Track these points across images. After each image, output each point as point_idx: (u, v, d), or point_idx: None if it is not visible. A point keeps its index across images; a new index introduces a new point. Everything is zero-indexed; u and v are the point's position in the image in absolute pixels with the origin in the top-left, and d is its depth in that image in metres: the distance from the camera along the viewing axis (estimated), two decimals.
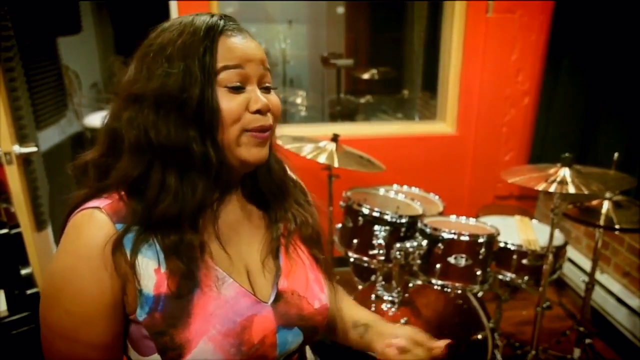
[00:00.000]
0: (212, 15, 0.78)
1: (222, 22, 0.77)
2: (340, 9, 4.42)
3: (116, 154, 0.77)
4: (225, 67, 0.75)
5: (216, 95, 0.74)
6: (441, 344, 0.93)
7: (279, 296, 0.83)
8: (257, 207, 0.90)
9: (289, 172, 0.96)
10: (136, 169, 0.75)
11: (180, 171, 0.75)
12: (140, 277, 0.73)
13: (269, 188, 0.88)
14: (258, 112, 0.77)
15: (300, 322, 0.84)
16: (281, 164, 0.92)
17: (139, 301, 0.73)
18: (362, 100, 4.04)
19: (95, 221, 0.73)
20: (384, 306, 1.82)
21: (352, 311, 1.05)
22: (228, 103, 0.75)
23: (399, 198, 2.27)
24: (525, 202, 3.08)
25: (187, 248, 0.75)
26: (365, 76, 3.79)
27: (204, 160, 0.74)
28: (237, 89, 0.76)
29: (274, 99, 0.81)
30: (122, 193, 0.76)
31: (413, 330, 0.95)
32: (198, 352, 0.73)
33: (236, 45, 0.76)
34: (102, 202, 0.75)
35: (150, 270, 0.74)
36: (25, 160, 1.81)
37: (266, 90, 0.80)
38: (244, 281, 0.81)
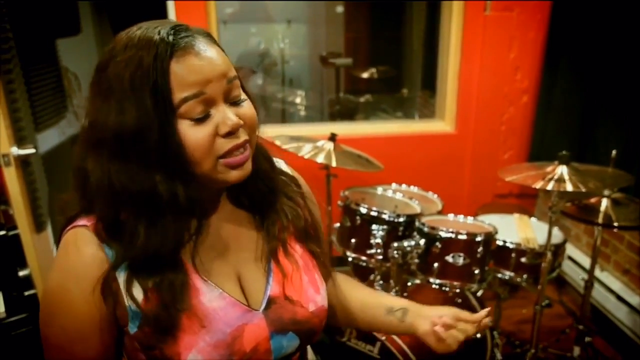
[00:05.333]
0: (160, 31, 0.69)
1: (171, 39, 0.68)
2: (340, 9, 4.41)
3: (90, 196, 0.74)
4: (185, 100, 0.68)
5: (178, 132, 0.68)
6: (484, 313, 0.94)
7: (270, 302, 0.82)
8: (246, 210, 0.87)
9: (283, 167, 0.94)
10: (109, 213, 0.72)
11: (149, 215, 0.71)
12: (127, 295, 0.73)
13: (257, 189, 0.85)
14: (229, 134, 0.71)
15: (294, 327, 0.83)
16: (270, 161, 0.88)
17: (129, 316, 0.74)
18: (362, 100, 4.04)
19: (83, 240, 0.74)
20: None
21: (379, 297, 1.05)
22: (194, 137, 0.69)
23: (397, 197, 2.27)
24: (524, 201, 3.07)
25: (169, 286, 0.73)
26: (365, 75, 3.78)
27: (173, 201, 0.71)
28: (203, 119, 0.70)
29: (246, 111, 0.75)
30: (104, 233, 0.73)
31: (454, 309, 0.96)
32: None
33: (192, 68, 0.68)
34: (89, 220, 0.75)
35: (137, 288, 0.73)
36: (23, 162, 1.81)
37: (236, 104, 0.74)
38: (235, 290, 0.80)
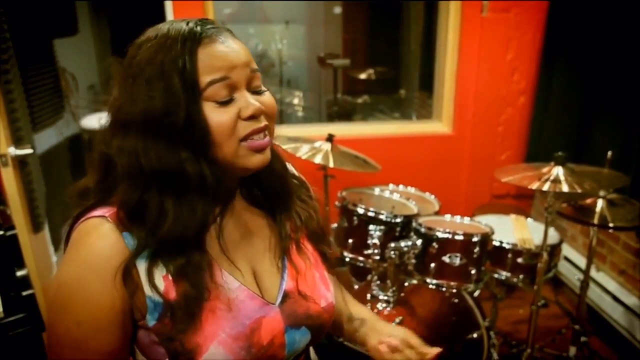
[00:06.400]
0: (188, 22, 0.74)
1: (199, 29, 0.73)
2: (338, 9, 4.43)
3: (112, 179, 0.75)
4: (211, 83, 0.72)
5: (204, 113, 0.72)
6: (433, 351, 0.93)
7: (285, 297, 0.84)
8: (259, 207, 0.89)
9: (290, 168, 0.96)
10: (134, 195, 0.73)
11: (177, 194, 0.73)
12: (149, 284, 0.73)
13: (271, 187, 0.87)
14: (251, 117, 0.75)
15: (307, 322, 0.85)
16: (282, 162, 0.91)
17: (148, 307, 0.73)
18: (359, 101, 4.05)
19: (102, 230, 0.73)
20: (380, 305, 1.83)
21: (347, 305, 1.05)
22: (218, 118, 0.72)
23: (394, 198, 2.28)
24: (521, 201, 3.08)
25: (194, 269, 0.74)
26: (362, 76, 3.79)
27: (200, 180, 0.73)
28: (227, 102, 0.73)
29: (267, 100, 0.78)
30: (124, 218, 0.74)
31: (407, 332, 0.97)
32: (209, 356, 0.73)
33: (218, 54, 0.73)
34: (107, 211, 0.75)
35: (159, 277, 0.73)
36: (21, 162, 1.82)
37: (257, 93, 0.78)
38: (251, 283, 0.81)
